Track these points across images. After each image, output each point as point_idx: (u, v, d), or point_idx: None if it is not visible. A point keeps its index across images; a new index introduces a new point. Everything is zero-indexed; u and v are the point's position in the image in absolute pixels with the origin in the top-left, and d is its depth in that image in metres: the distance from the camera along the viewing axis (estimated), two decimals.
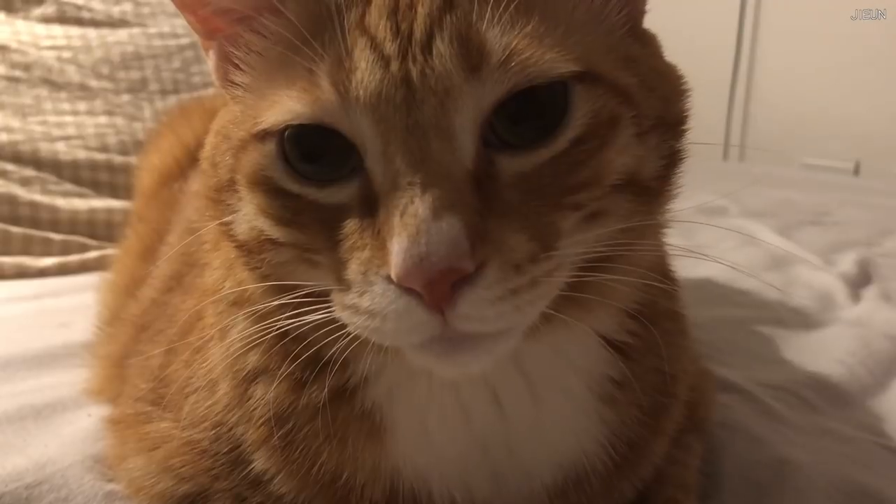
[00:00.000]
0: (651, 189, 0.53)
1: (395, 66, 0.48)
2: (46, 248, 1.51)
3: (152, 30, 1.96)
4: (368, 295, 0.48)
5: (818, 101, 3.30)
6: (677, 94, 0.57)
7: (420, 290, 0.45)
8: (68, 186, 1.63)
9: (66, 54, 1.80)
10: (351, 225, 0.50)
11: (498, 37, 0.48)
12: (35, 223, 1.54)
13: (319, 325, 0.53)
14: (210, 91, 1.87)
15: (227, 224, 0.57)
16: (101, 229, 1.59)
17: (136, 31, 1.94)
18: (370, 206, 0.49)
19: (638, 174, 0.52)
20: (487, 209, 0.47)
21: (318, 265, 0.52)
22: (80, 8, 1.89)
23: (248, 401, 0.64)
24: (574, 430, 0.63)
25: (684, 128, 0.57)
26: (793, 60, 3.37)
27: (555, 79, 0.48)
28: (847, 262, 1.67)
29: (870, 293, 1.51)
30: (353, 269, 0.49)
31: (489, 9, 0.48)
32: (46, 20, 1.85)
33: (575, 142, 0.49)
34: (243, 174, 0.54)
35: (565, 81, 0.49)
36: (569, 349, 0.61)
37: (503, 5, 0.49)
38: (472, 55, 0.47)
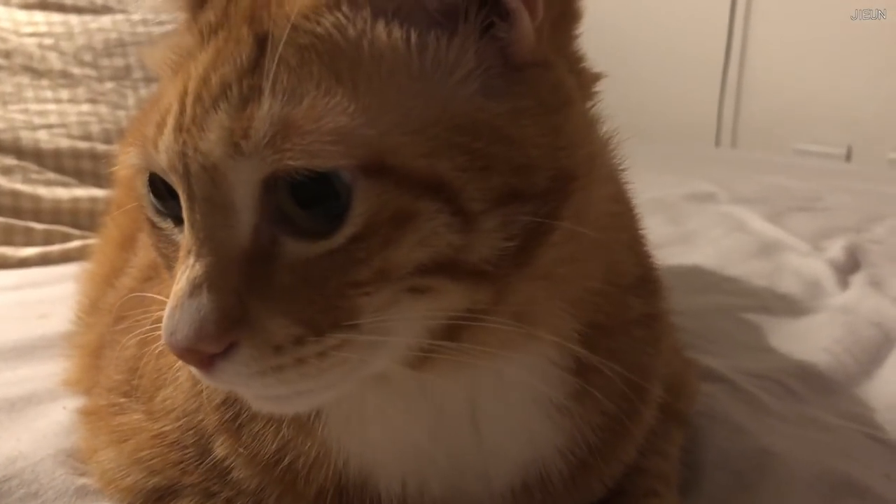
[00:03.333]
0: (487, 273, 0.48)
1: (169, 138, 0.48)
2: (28, 238, 1.50)
3: (135, 16, 1.93)
4: None
5: (810, 87, 3.29)
6: (547, 162, 0.49)
7: (175, 353, 0.47)
8: (51, 175, 1.61)
9: (48, 41, 1.78)
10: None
11: (266, 114, 0.44)
12: (16, 213, 1.52)
13: None
14: None
15: None
16: (85, 218, 1.58)
17: (119, 17, 1.91)
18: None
19: (457, 261, 0.47)
20: (252, 290, 0.47)
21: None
22: None
23: (202, 384, 0.63)
24: (528, 437, 0.62)
25: (568, 190, 0.50)
26: (785, 46, 3.36)
27: (326, 170, 0.44)
28: (836, 249, 1.67)
29: (858, 280, 1.50)
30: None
31: (272, 77, 0.45)
32: (27, 6, 1.83)
33: (353, 239, 0.46)
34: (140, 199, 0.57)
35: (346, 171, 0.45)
36: (511, 371, 0.58)
37: (290, 73, 0.45)
38: (235, 136, 0.45)
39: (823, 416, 0.94)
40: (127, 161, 0.53)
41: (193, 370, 0.50)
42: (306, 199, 0.45)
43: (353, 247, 0.46)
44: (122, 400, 0.73)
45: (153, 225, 0.56)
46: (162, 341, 0.48)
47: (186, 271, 0.47)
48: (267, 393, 0.51)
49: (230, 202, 0.47)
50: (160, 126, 0.49)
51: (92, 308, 1.00)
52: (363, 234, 0.46)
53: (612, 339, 0.62)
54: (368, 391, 0.59)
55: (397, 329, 0.49)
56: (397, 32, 0.48)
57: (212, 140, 0.45)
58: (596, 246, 0.57)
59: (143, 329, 0.77)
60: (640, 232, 0.70)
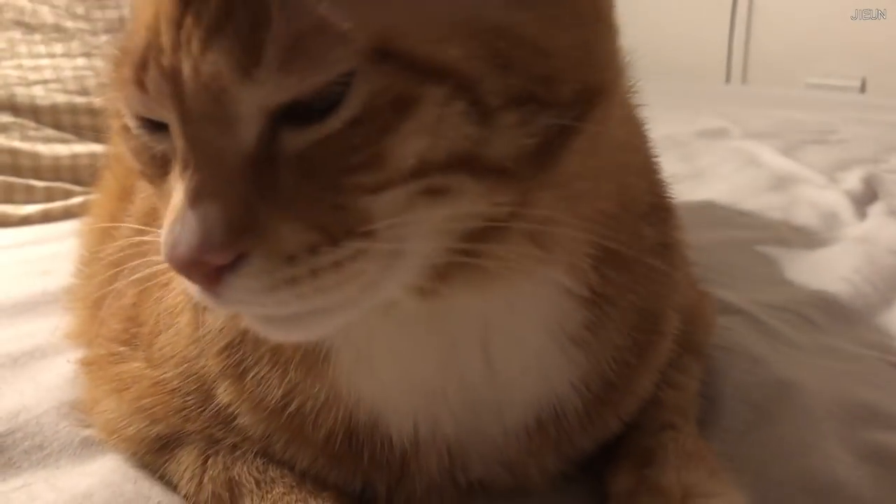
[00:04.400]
0: (508, 170, 0.47)
1: (166, 58, 0.45)
2: (29, 196, 1.48)
3: None
4: None
5: (821, 19, 3.21)
6: (575, 74, 0.48)
7: (178, 271, 0.44)
8: (49, 132, 1.58)
9: None
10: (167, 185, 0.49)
11: (276, 37, 0.42)
12: (16, 171, 1.50)
13: None
14: None
15: None
16: (85, 174, 1.55)
17: None
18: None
19: (477, 156, 0.45)
20: (260, 197, 0.44)
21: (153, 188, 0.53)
22: None
23: (204, 329, 0.61)
24: (542, 371, 0.60)
25: (593, 104, 0.49)
26: None
27: (335, 78, 0.43)
28: (852, 180, 1.63)
29: (876, 210, 1.48)
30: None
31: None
32: None
33: (351, 123, 0.43)
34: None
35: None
36: (524, 300, 0.57)
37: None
38: (245, 58, 0.42)
39: (843, 346, 0.92)
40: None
41: (197, 293, 0.47)
42: (309, 92, 0.43)
43: (351, 132, 0.43)
44: (122, 349, 0.71)
45: (133, 136, 0.52)
46: (162, 260, 0.45)
47: (185, 183, 0.44)
48: (280, 311, 0.47)
49: (233, 118, 0.44)
50: (145, 56, 0.46)
51: (92, 259, 0.99)
52: (362, 118, 0.43)
53: (626, 269, 0.60)
54: (379, 326, 0.57)
55: (415, 237, 0.46)
56: None
57: (218, 64, 0.43)
58: (612, 165, 0.56)
59: (142, 276, 0.75)
60: (653, 159, 0.67)
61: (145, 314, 0.70)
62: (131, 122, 0.51)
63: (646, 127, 0.66)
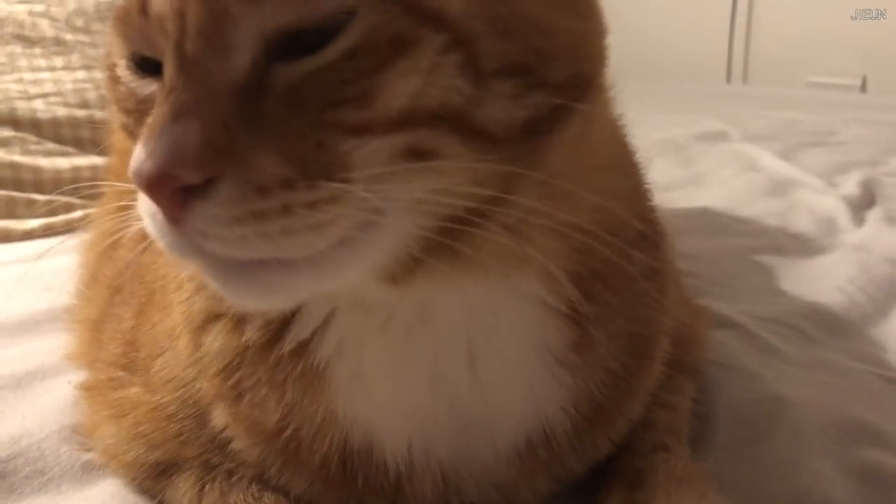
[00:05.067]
0: (497, 137, 0.47)
1: None
2: (31, 210, 1.48)
3: None
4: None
5: (823, 17, 3.20)
6: (568, 60, 0.50)
7: (144, 191, 0.43)
8: (50, 145, 1.59)
9: (38, 8, 1.75)
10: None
11: None
12: (18, 185, 1.51)
13: None
14: None
15: None
16: (87, 187, 1.56)
17: None
18: None
19: (466, 115, 0.46)
20: (243, 125, 0.43)
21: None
22: None
23: (201, 352, 0.62)
24: (530, 393, 0.61)
25: (580, 94, 0.50)
26: None
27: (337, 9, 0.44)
28: (850, 184, 1.64)
29: (873, 215, 1.48)
30: None
31: None
32: None
33: (346, 55, 0.44)
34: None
35: None
36: (505, 315, 0.58)
37: None
38: None
39: (837, 359, 0.93)
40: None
41: (156, 228, 0.45)
42: (309, 18, 0.44)
43: (344, 65, 0.44)
44: (121, 374, 0.72)
45: (121, 83, 0.53)
46: (129, 173, 0.43)
47: (168, 101, 0.44)
48: (241, 252, 0.45)
49: (229, 42, 0.44)
50: None
51: (91, 280, 1.00)
52: (357, 52, 0.44)
53: (614, 294, 0.61)
54: (368, 339, 0.58)
55: (395, 208, 0.46)
56: None
57: None
58: (595, 179, 0.56)
59: (140, 298, 0.76)
60: (644, 185, 0.68)
61: (143, 338, 0.71)
62: (122, 65, 0.52)
63: (636, 155, 0.67)
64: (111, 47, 0.54)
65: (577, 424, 0.62)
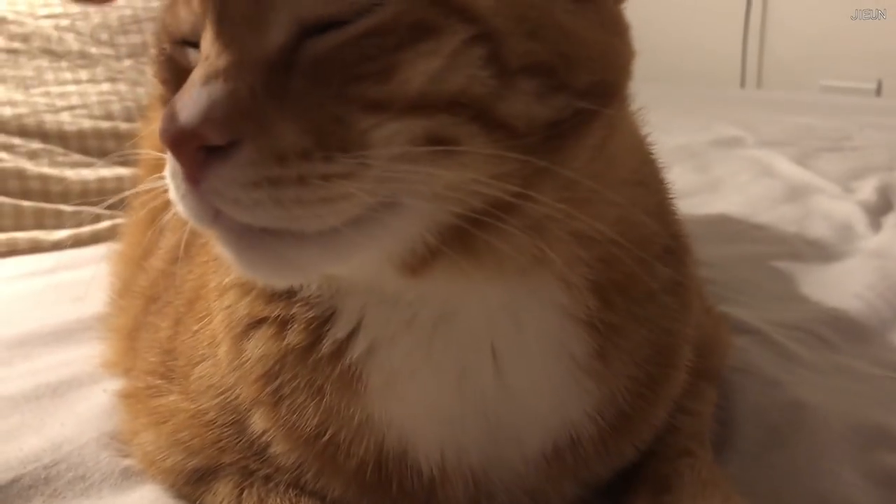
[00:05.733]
0: (519, 131, 0.49)
1: None
2: (59, 221, 1.51)
3: None
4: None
5: (836, 21, 3.20)
6: (592, 66, 0.52)
7: (169, 149, 0.45)
8: (76, 157, 1.62)
9: (64, 22, 1.78)
10: None
11: None
12: (46, 196, 1.54)
13: None
14: None
15: None
16: (112, 198, 1.59)
17: None
18: None
19: (489, 106, 0.48)
20: (269, 94, 0.45)
21: None
22: None
23: (242, 357, 0.64)
24: (555, 399, 0.62)
25: (603, 100, 0.52)
26: None
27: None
28: (867, 190, 1.65)
29: (890, 221, 1.49)
30: None
31: None
32: None
33: (369, 32, 0.46)
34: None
35: None
36: (527, 320, 0.59)
37: None
38: None
39: (856, 365, 0.94)
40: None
41: (178, 186, 0.47)
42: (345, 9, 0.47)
43: (367, 41, 0.46)
44: (159, 382, 0.74)
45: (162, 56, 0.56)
46: (159, 135, 0.45)
47: (202, 67, 0.46)
48: (255, 218, 0.46)
49: (267, 21, 0.47)
50: None
51: (124, 290, 1.02)
52: (381, 30, 0.46)
53: (637, 305, 0.62)
54: (397, 340, 0.59)
55: (413, 192, 0.47)
56: None
57: None
58: (620, 190, 0.57)
59: (177, 308, 0.78)
60: (670, 201, 0.69)
61: (181, 347, 0.73)
62: (167, 47, 0.55)
63: (663, 170, 0.69)
64: (162, 27, 0.56)
65: (602, 431, 0.64)
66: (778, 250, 1.35)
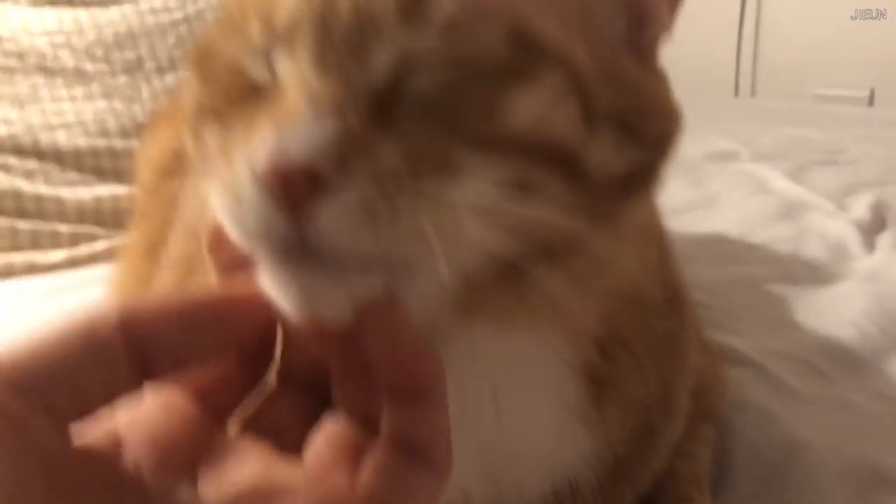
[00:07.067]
0: (597, 185, 0.49)
1: None
2: (55, 241, 1.51)
3: (144, 6, 1.92)
4: (237, 180, 0.44)
5: (830, 29, 3.22)
6: (656, 115, 0.53)
7: (274, 185, 0.42)
8: (72, 175, 1.62)
9: (59, 39, 1.77)
10: (254, 104, 0.48)
11: (443, 6, 0.46)
12: (42, 216, 1.54)
13: None
14: None
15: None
16: (109, 217, 1.59)
17: (127, 8, 1.90)
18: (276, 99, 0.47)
19: (577, 155, 0.48)
20: (375, 124, 0.44)
21: (220, 127, 0.51)
22: None
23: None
24: (555, 446, 0.62)
25: (663, 153, 0.53)
26: None
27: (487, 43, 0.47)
28: (861, 207, 1.65)
29: (884, 241, 1.49)
30: (239, 145, 0.46)
31: None
32: (36, 4, 1.81)
33: (479, 73, 0.46)
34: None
35: None
36: (530, 366, 0.59)
37: None
38: (411, 7, 0.46)
39: (852, 398, 0.95)
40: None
41: (261, 219, 0.43)
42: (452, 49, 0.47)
43: (475, 81, 0.46)
44: None
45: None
46: (255, 161, 0.42)
47: (305, 96, 0.44)
48: (352, 249, 0.43)
49: (373, 54, 0.46)
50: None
51: None
52: (488, 70, 0.46)
53: (637, 356, 0.63)
54: None
55: (486, 224, 0.46)
56: None
57: (384, 2, 0.46)
58: (636, 243, 0.58)
59: None
60: (668, 248, 0.70)
61: None
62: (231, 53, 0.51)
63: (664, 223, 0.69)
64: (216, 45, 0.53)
65: (601, 477, 0.64)
66: (773, 272, 1.36)
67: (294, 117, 0.43)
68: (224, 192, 0.45)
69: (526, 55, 0.47)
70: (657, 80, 0.55)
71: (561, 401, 0.61)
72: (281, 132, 0.42)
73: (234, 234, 0.46)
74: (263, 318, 0.47)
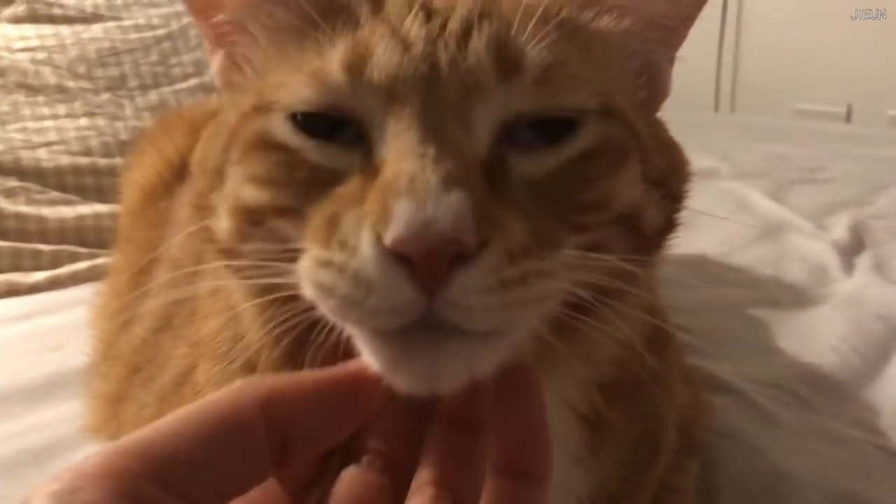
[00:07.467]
0: (647, 239, 0.52)
1: (418, 48, 0.48)
2: (36, 261, 1.49)
3: (127, 22, 1.91)
4: (358, 258, 0.43)
5: (808, 45, 3.26)
6: (680, 171, 0.57)
7: (417, 257, 0.41)
8: (54, 194, 1.60)
9: (41, 55, 1.76)
10: (348, 185, 0.47)
11: (535, 55, 0.48)
12: (23, 236, 1.52)
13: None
14: (187, 85, 1.85)
15: (211, 230, 0.55)
16: (91, 236, 1.58)
17: (110, 24, 1.89)
18: (372, 175, 0.46)
19: (641, 216, 0.51)
20: (493, 196, 0.45)
21: (298, 221, 0.48)
22: (50, 5, 1.84)
23: None
24: (553, 490, 0.63)
25: (680, 207, 0.57)
26: (782, 4, 3.32)
27: (571, 110, 0.49)
28: (840, 228, 1.67)
29: (862, 262, 1.51)
30: (348, 221, 0.44)
31: (528, 28, 0.49)
32: (18, 20, 1.80)
33: (585, 155, 0.48)
34: (239, 143, 0.52)
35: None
36: None
37: (541, 28, 0.49)
38: (508, 61, 0.48)
39: (834, 426, 0.96)
40: (279, 99, 0.50)
41: (389, 297, 0.42)
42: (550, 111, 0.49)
43: (584, 164, 0.48)
44: None
45: (278, 149, 0.50)
46: (395, 237, 0.41)
47: (427, 170, 0.43)
48: (483, 322, 0.43)
49: (472, 117, 0.47)
50: (364, 55, 0.48)
51: (106, 350, 1.01)
52: (593, 153, 0.49)
53: (628, 398, 0.64)
54: None
55: (565, 286, 0.46)
56: (612, 25, 0.56)
57: (481, 59, 0.48)
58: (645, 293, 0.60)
59: (162, 385, 0.78)
60: (655, 285, 0.71)
61: None
62: (278, 120, 0.50)
63: None
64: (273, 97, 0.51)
65: None
66: (755, 295, 1.37)
67: (426, 190, 0.42)
68: (334, 276, 0.43)
69: (621, 130, 0.51)
70: (678, 149, 0.59)
71: (564, 446, 0.61)
72: (418, 206, 0.41)
73: (342, 315, 0.45)
74: (385, 394, 0.45)
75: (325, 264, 0.44)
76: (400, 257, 0.41)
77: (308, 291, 0.46)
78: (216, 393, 0.41)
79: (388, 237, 0.41)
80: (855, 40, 3.14)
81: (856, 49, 3.15)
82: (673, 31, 0.59)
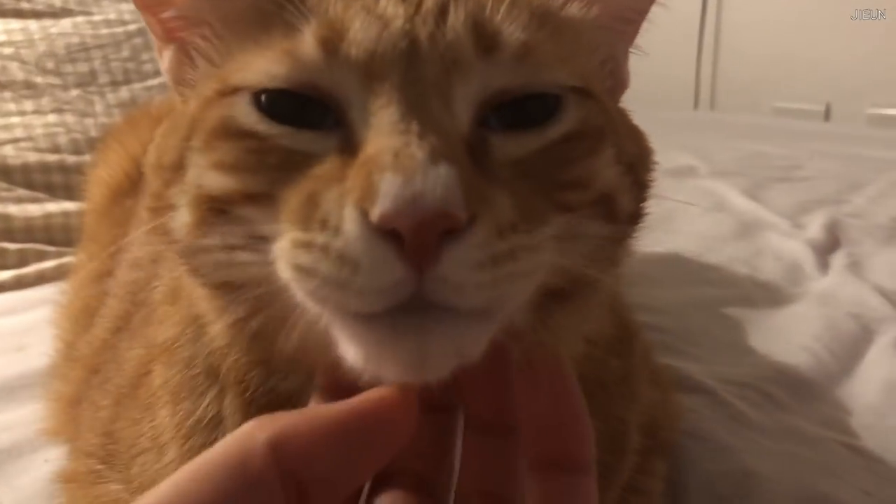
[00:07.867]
0: (620, 225, 0.51)
1: (397, 24, 0.46)
2: (2, 260, 1.47)
3: (97, 17, 1.88)
4: (342, 237, 0.41)
5: (787, 44, 3.27)
6: (646, 159, 0.56)
7: (407, 233, 0.39)
8: (21, 192, 1.57)
9: (8, 50, 1.73)
10: (325, 165, 0.45)
11: (513, 33, 0.48)
12: None
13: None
14: (158, 81, 1.82)
15: (168, 229, 0.51)
16: (59, 234, 1.55)
17: (80, 19, 1.86)
18: (350, 153, 0.44)
19: (617, 199, 0.50)
20: (478, 172, 0.43)
21: (269, 206, 0.45)
22: None
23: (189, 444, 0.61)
24: None
25: (647, 196, 0.55)
26: (761, 2, 3.32)
27: (559, 89, 0.48)
28: (815, 227, 1.68)
29: (837, 261, 1.51)
30: (328, 199, 0.42)
31: (504, 7, 0.48)
32: None
33: (566, 138, 0.48)
34: (202, 130, 0.49)
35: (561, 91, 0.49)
36: None
37: (513, 10, 0.49)
38: (486, 38, 0.47)
39: (805, 426, 0.95)
40: (244, 79, 0.47)
41: (379, 274, 0.40)
42: (510, 107, 0.48)
43: (566, 146, 0.48)
44: (100, 467, 0.72)
45: (247, 136, 0.47)
46: (383, 212, 0.39)
47: (412, 145, 0.41)
48: (473, 299, 0.41)
49: (452, 93, 0.45)
50: (339, 30, 0.46)
51: (67, 352, 0.99)
52: (575, 135, 0.48)
53: (592, 397, 0.62)
54: None
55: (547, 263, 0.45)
56: (581, 14, 0.56)
57: (460, 36, 0.47)
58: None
59: (118, 386, 0.76)
60: (619, 286, 0.70)
61: (121, 433, 0.71)
62: (241, 104, 0.47)
63: None
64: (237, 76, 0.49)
65: None
66: (729, 294, 1.37)
67: (413, 165, 0.40)
68: (315, 257, 0.41)
69: (598, 112, 0.50)
70: (640, 128, 0.58)
71: None
72: (406, 179, 0.39)
73: (322, 298, 0.42)
74: (412, 423, 0.43)
75: (305, 245, 0.42)
76: (388, 234, 0.39)
77: (285, 274, 0.43)
78: (224, 441, 0.38)
79: (376, 213, 0.39)
80: (834, 39, 3.15)
81: (834, 48, 3.16)
82: (633, 23, 0.59)
